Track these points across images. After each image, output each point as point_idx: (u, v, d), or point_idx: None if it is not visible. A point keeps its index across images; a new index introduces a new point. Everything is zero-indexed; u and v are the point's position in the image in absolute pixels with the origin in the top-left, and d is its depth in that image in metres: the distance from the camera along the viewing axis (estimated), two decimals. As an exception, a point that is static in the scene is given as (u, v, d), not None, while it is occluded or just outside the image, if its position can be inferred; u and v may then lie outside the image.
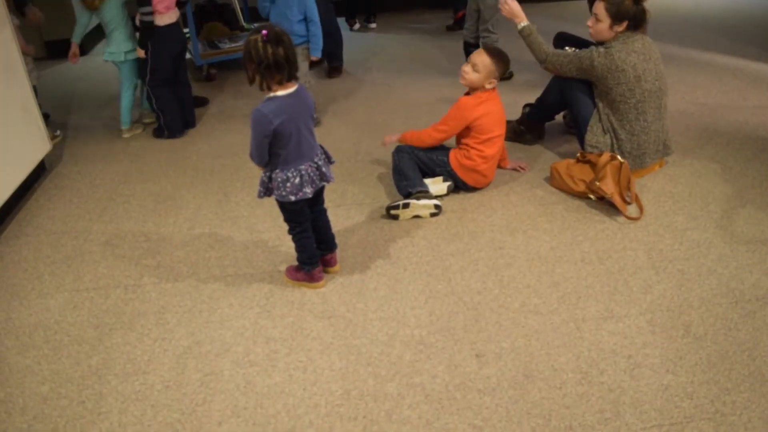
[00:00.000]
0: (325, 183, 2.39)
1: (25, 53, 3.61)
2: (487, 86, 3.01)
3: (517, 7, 3.27)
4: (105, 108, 4.56)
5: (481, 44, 4.45)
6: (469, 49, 4.64)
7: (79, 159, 3.80)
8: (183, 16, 4.03)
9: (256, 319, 2.40)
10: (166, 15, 3.65)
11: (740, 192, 3.08)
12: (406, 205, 2.95)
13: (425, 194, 2.99)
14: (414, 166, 3.09)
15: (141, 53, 3.75)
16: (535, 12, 5.88)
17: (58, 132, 4.05)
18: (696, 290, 2.44)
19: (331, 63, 4.95)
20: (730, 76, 4.55)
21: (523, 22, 3.24)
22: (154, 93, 3.85)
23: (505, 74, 3.08)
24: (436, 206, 2.99)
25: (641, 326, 2.27)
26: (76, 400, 2.10)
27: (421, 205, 2.96)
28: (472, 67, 2.98)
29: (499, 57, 3.00)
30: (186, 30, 5.00)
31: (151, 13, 3.61)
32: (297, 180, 2.27)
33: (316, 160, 2.32)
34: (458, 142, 3.16)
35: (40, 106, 3.80)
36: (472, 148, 3.07)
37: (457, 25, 5.94)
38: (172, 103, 3.89)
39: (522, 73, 4.70)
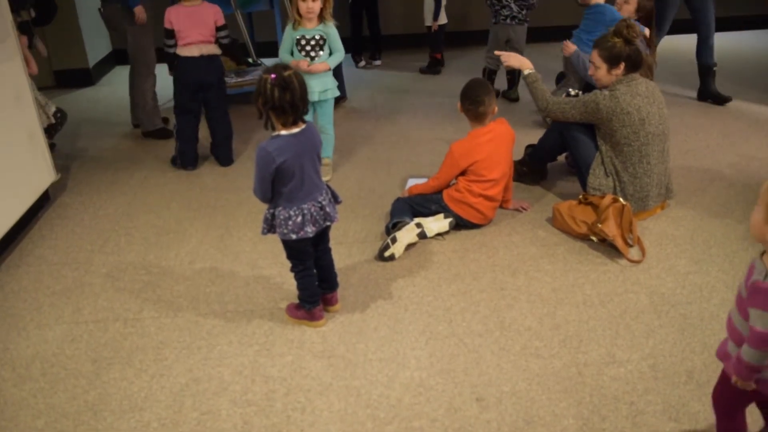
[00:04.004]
0: (329, 223, 2.39)
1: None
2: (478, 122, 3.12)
3: (520, 58, 3.44)
4: (111, 138, 4.59)
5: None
6: (491, 76, 5.05)
7: (83, 189, 3.81)
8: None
9: (255, 357, 2.39)
10: (185, 48, 3.77)
11: (743, 235, 3.08)
12: (393, 240, 2.96)
13: (402, 222, 3.04)
14: (402, 208, 3.16)
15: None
16: (539, 52, 5.94)
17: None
18: (698, 335, 2.42)
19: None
20: (731, 119, 4.58)
21: (530, 69, 3.36)
22: (176, 120, 3.97)
23: (471, 107, 3.09)
24: (417, 225, 3.05)
25: (643, 371, 2.25)
26: (71, 436, 2.07)
27: (405, 232, 3.00)
28: None
29: (464, 87, 3.13)
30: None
31: (173, 46, 3.78)
32: (299, 219, 2.27)
33: (320, 199, 2.33)
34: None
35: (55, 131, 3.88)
36: (462, 183, 3.13)
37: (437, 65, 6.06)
38: (187, 134, 3.95)
39: (524, 113, 4.74)
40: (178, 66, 3.83)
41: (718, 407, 1.85)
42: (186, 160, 3.99)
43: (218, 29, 3.83)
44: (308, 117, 3.48)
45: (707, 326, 2.47)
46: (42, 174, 3.50)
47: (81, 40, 5.65)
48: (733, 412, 1.82)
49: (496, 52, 3.68)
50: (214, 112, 3.98)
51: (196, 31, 3.75)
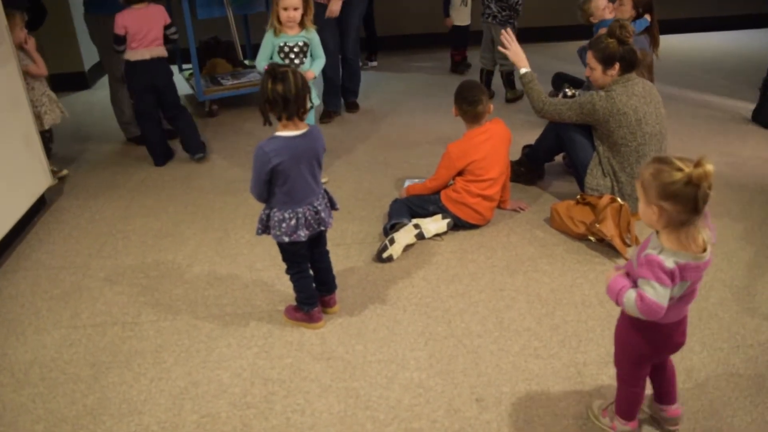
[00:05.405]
0: (323, 228, 2.38)
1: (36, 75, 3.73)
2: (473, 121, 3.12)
3: (520, 52, 3.37)
4: (107, 141, 4.58)
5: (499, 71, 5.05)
6: (488, 76, 5.10)
7: (80, 193, 3.80)
8: (172, 53, 4.13)
9: (254, 359, 2.38)
10: (135, 52, 3.82)
11: (740, 235, 3.08)
12: (391, 241, 2.96)
13: (400, 223, 3.04)
14: (400, 208, 3.16)
15: None
16: (533, 51, 5.94)
17: (65, 171, 4.05)
18: (697, 334, 2.43)
19: (349, 99, 5.04)
20: (728, 118, 4.59)
21: (526, 68, 3.32)
22: (139, 127, 4.19)
23: (468, 108, 3.07)
24: (415, 226, 3.05)
25: (642, 371, 2.25)
26: (70, 441, 2.07)
27: (403, 233, 3.00)
28: None
29: (458, 89, 3.11)
30: (189, 66, 5.06)
31: (123, 51, 3.85)
32: (293, 222, 2.27)
33: (315, 204, 2.32)
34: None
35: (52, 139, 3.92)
36: (459, 183, 3.13)
37: (459, 65, 6.03)
38: (150, 134, 4.10)
39: (521, 113, 4.74)
40: (129, 71, 3.90)
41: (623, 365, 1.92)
42: (154, 157, 4.15)
43: (166, 27, 3.89)
44: None
45: (705, 325, 2.48)
46: (38, 178, 3.49)
47: (76, 44, 5.64)
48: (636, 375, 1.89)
49: (500, 48, 3.52)
50: (173, 110, 4.06)
51: (148, 33, 3.79)
